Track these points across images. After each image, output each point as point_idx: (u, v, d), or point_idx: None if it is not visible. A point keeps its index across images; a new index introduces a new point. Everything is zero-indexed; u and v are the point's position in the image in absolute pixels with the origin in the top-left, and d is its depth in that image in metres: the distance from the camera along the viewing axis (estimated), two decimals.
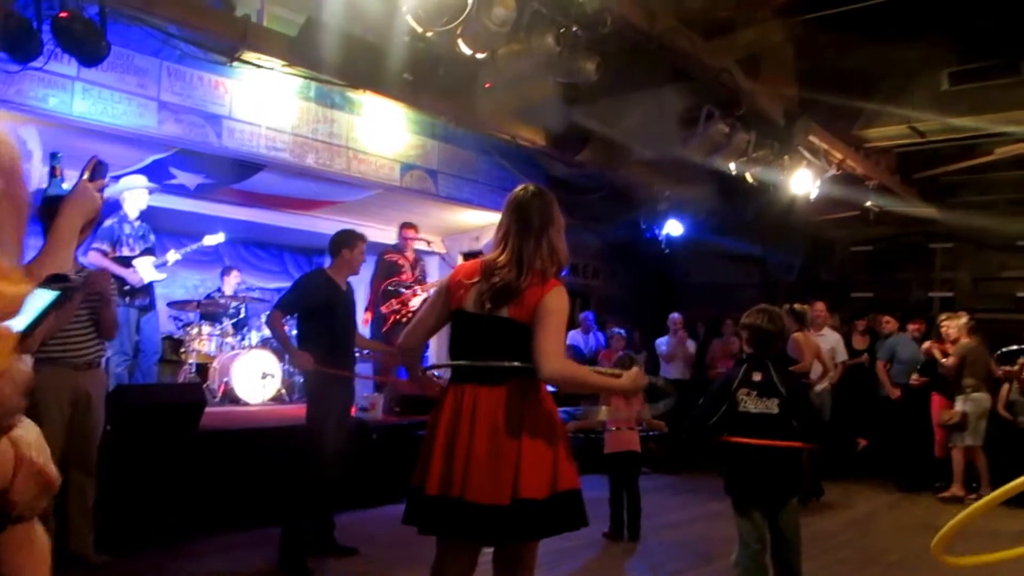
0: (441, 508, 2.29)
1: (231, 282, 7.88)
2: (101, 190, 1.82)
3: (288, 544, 4.10)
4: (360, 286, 8.30)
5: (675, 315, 8.62)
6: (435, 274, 7.70)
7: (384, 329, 6.83)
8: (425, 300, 6.98)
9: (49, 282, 1.21)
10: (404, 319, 6.75)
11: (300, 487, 4.15)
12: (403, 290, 6.90)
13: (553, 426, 2.40)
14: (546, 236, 2.41)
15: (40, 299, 1.18)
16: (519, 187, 2.56)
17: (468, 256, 8.66)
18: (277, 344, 4.71)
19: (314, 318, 4.31)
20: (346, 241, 4.39)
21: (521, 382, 2.34)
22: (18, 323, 1.00)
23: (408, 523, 2.42)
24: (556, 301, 2.34)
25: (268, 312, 4.46)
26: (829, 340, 7.22)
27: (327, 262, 4.51)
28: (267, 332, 7.88)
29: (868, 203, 8.97)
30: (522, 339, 2.32)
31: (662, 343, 8.60)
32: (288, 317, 4.42)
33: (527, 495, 2.25)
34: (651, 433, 5.45)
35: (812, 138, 7.47)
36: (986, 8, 6.71)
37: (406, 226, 7.15)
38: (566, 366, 2.38)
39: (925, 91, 8.16)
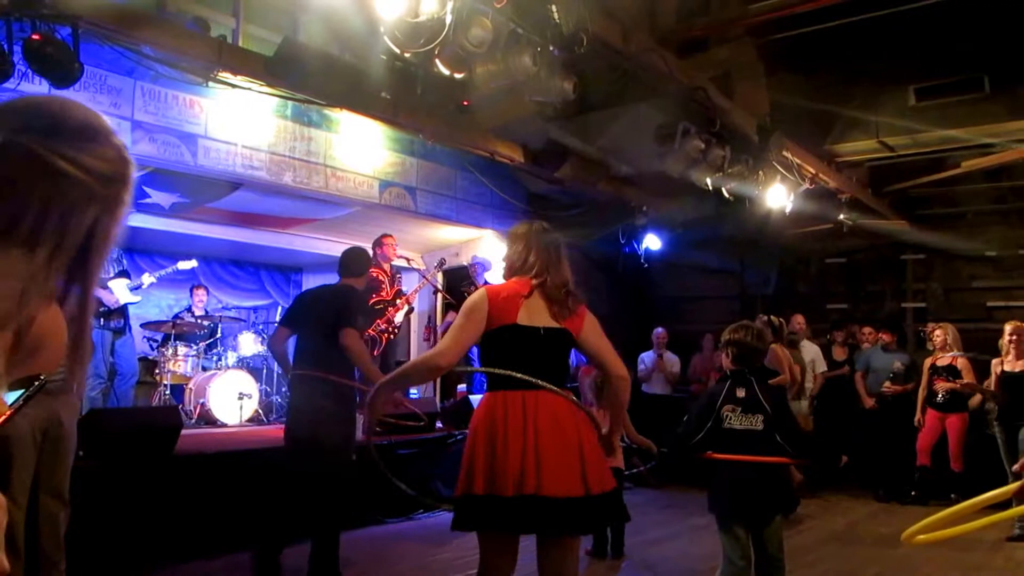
0: (520, 507, 2.44)
1: (199, 299, 7.80)
2: None
3: (325, 562, 4.06)
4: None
5: (659, 330, 8.64)
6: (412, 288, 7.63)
7: (378, 351, 6.70)
8: (409, 312, 7.01)
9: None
10: (392, 336, 6.73)
11: (338, 504, 4.13)
12: (388, 308, 6.79)
13: (592, 432, 2.70)
14: (567, 266, 2.86)
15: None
16: (532, 223, 2.97)
17: (447, 272, 8.64)
18: (362, 368, 4.17)
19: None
20: (362, 264, 4.53)
21: (567, 391, 2.68)
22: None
23: (480, 528, 2.58)
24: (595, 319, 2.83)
25: (343, 333, 4.07)
26: (808, 352, 7.29)
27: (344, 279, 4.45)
28: (244, 352, 7.81)
29: (841, 216, 9.11)
30: (569, 346, 2.75)
31: (645, 357, 8.61)
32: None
33: (595, 490, 2.52)
34: (643, 469, 5.49)
35: (785, 153, 7.57)
36: (949, 26, 6.88)
37: (384, 236, 6.95)
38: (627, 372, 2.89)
39: (893, 106, 8.33)
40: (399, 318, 6.80)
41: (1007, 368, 6.07)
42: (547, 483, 2.44)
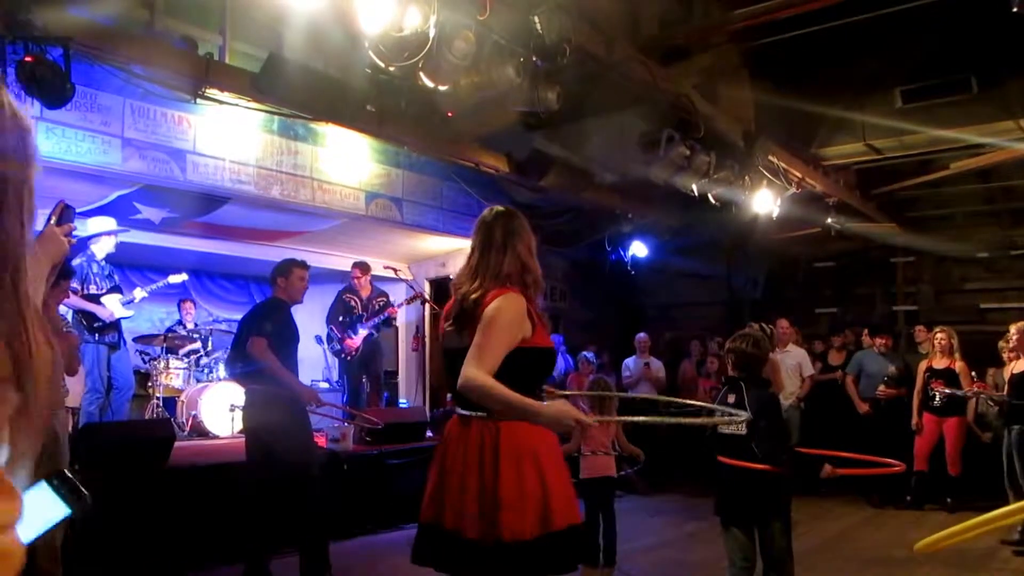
0: (430, 537, 2.30)
1: (189, 312, 7.87)
2: (69, 234, 1.81)
3: (315, 572, 4.09)
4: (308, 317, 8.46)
5: (641, 335, 8.65)
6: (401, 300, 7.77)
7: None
8: (370, 336, 7.18)
9: (54, 481, 0.82)
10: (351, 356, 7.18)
11: (316, 513, 4.15)
12: (358, 327, 7.17)
13: (540, 461, 2.22)
14: (510, 249, 2.34)
15: (44, 503, 0.80)
16: (487, 209, 2.54)
17: (433, 282, 8.73)
18: (271, 377, 4.11)
19: (287, 344, 4.29)
20: (281, 270, 4.42)
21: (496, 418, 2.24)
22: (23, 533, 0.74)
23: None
24: (499, 306, 2.21)
25: (248, 343, 4.16)
26: (795, 356, 7.30)
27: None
28: None
29: (829, 220, 9.14)
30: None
31: (629, 363, 8.61)
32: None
33: (509, 537, 2.10)
34: (630, 470, 5.54)
35: (771, 158, 7.62)
36: (935, 27, 6.92)
37: (355, 266, 7.39)
38: (476, 376, 2.12)
39: (879, 109, 8.36)
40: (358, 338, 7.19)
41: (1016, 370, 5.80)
42: (454, 518, 2.19)
